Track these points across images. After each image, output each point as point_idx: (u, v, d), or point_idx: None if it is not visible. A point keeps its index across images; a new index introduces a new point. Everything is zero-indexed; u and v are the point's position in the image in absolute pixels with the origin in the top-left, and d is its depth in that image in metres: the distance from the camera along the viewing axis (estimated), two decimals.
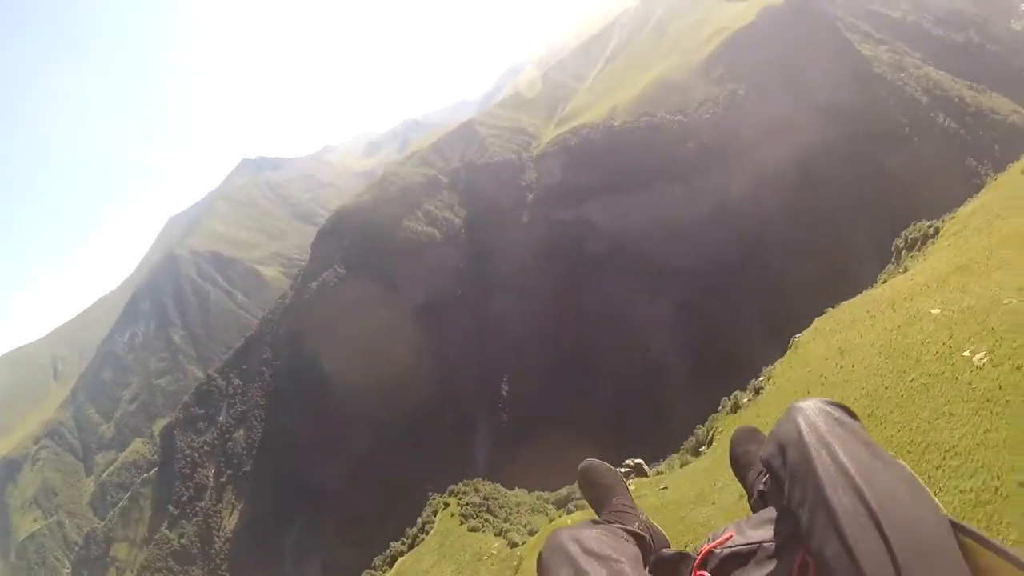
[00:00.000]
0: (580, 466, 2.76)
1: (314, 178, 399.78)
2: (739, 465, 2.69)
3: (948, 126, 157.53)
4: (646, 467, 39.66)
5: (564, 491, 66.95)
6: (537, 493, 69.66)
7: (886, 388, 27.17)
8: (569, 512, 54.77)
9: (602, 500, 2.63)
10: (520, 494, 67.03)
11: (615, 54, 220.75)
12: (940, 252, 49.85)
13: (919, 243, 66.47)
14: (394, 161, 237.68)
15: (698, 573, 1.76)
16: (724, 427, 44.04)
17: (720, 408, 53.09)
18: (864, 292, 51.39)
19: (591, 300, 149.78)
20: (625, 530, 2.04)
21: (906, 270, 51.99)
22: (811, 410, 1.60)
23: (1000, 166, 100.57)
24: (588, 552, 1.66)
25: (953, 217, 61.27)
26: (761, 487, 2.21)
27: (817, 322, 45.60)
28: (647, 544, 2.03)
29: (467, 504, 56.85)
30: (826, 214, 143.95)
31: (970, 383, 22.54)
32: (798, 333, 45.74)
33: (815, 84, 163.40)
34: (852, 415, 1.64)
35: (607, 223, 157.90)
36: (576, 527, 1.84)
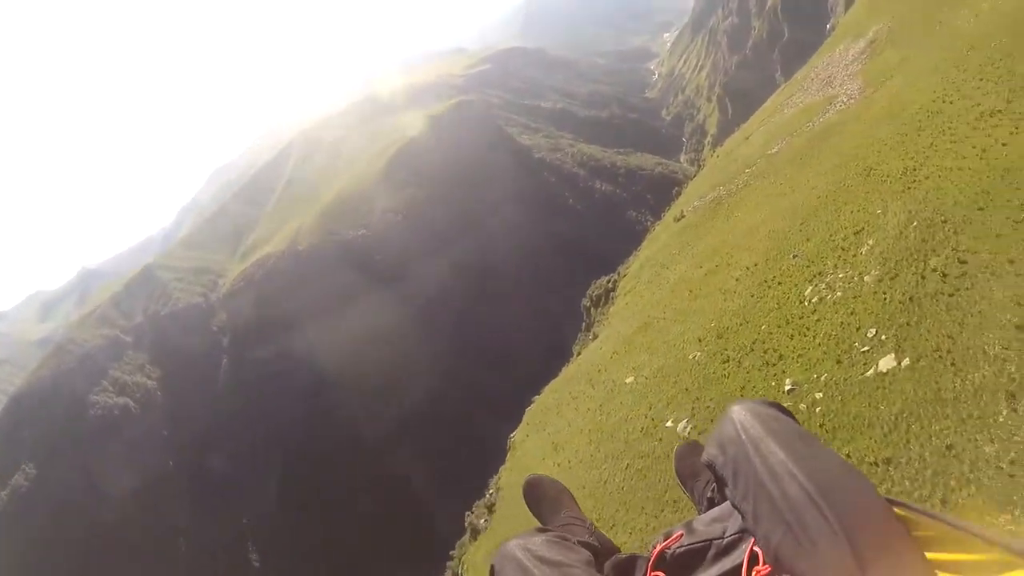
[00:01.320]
0: (524, 481, 2.76)
1: None
2: (684, 478, 2.71)
3: (605, 189, 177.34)
4: None
5: None
6: None
7: (605, 482, 26.33)
8: None
9: (549, 514, 2.58)
10: None
11: (293, 177, 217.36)
12: (621, 312, 50.57)
13: (603, 299, 68.16)
14: (71, 323, 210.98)
15: (653, 574, 1.75)
16: (469, 562, 42.08)
17: (467, 529, 50.18)
18: (563, 370, 51.87)
19: (313, 437, 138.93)
20: (576, 540, 2.00)
21: (595, 337, 52.28)
22: (746, 410, 1.66)
23: (656, 212, 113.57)
24: (539, 559, 1.67)
25: (626, 272, 64.03)
26: (710, 495, 2.26)
27: (527, 415, 44.93)
28: (597, 552, 1.95)
29: None
30: (521, 289, 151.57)
31: None
32: (513, 432, 44.62)
33: (485, 176, 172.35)
34: (786, 412, 1.71)
35: (311, 352, 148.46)
36: (525, 535, 1.85)
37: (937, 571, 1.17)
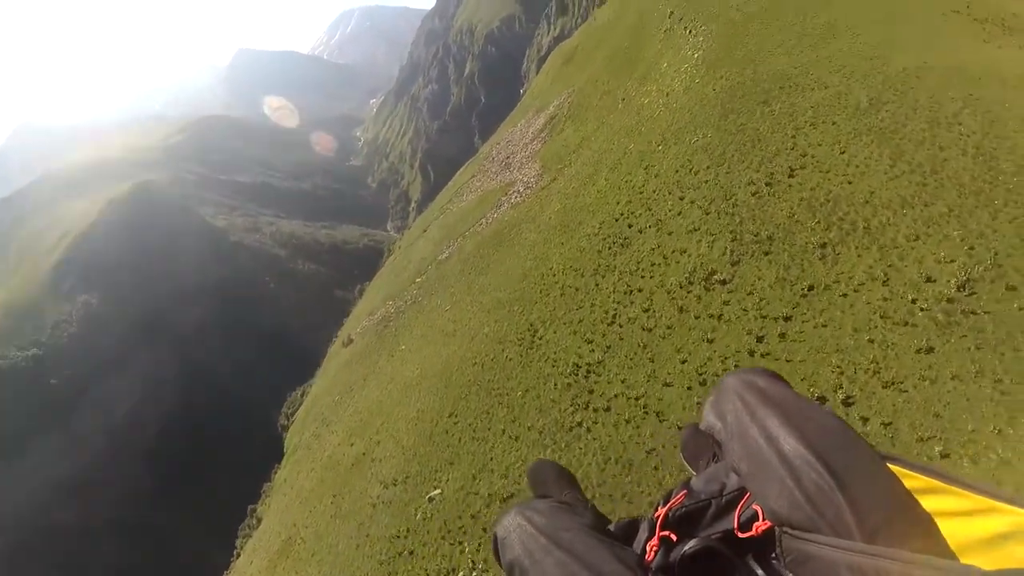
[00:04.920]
0: (529, 466, 2.72)
1: None
2: (691, 458, 2.60)
3: (308, 269, 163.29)
4: None
5: None
6: None
7: None
8: None
9: (551, 495, 2.46)
10: None
11: None
12: (280, 490, 44.02)
13: (289, 424, 64.34)
14: None
15: (662, 533, 1.72)
16: None
17: None
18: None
19: None
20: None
21: (259, 523, 46.00)
22: (741, 379, 1.67)
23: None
24: (543, 523, 1.69)
25: (293, 419, 60.61)
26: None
27: None
28: (597, 521, 1.92)
29: None
30: (227, 391, 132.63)
31: None
32: None
33: (174, 268, 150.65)
34: (780, 379, 1.71)
35: None
36: (526, 502, 1.87)
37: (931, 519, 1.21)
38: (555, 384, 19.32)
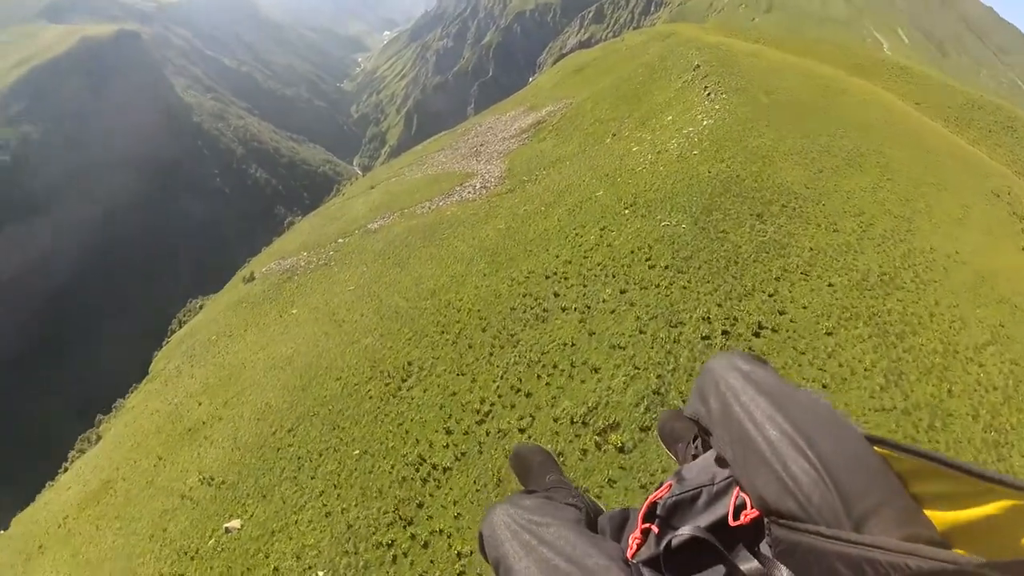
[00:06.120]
0: (511, 452, 2.66)
1: None
2: (668, 442, 2.51)
3: (260, 176, 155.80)
4: None
5: None
6: None
7: None
8: None
9: (536, 481, 2.41)
10: None
11: None
12: (132, 414, 38.74)
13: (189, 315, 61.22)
14: None
15: (644, 525, 1.61)
16: None
17: None
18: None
19: None
20: (562, 502, 1.88)
21: (99, 439, 42.25)
22: (726, 362, 1.61)
23: (308, 212, 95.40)
24: (529, 520, 1.60)
25: (169, 340, 54.71)
26: (694, 453, 2.13)
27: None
28: (583, 513, 1.77)
29: None
30: (138, 269, 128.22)
31: None
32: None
33: (126, 128, 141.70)
34: (765, 363, 1.64)
35: None
36: (512, 498, 1.78)
37: (919, 503, 1.15)
38: (392, 466, 15.63)
